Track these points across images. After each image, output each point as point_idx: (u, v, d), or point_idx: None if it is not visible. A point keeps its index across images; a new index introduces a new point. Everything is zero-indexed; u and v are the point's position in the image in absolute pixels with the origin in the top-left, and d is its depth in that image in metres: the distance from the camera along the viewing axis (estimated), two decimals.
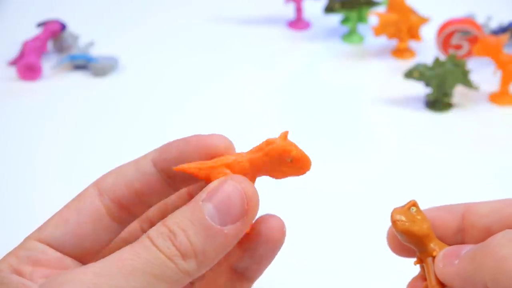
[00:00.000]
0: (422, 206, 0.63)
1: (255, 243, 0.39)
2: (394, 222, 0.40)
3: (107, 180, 0.39)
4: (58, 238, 0.37)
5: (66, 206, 0.38)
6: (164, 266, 0.34)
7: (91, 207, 0.38)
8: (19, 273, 0.36)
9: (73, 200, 0.39)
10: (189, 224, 0.35)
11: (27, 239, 0.37)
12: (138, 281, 0.33)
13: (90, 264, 0.34)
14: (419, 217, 0.41)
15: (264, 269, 0.40)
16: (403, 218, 0.40)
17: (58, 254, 0.37)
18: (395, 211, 0.41)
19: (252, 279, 0.40)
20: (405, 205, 0.41)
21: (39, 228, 0.38)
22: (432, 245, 0.40)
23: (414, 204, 0.42)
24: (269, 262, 0.40)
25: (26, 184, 0.65)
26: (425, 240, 0.40)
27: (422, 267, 0.40)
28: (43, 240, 0.37)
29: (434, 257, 0.39)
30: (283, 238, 0.39)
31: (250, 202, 0.36)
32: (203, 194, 0.35)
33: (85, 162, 0.67)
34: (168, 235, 0.35)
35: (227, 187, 0.36)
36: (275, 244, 0.39)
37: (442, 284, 0.38)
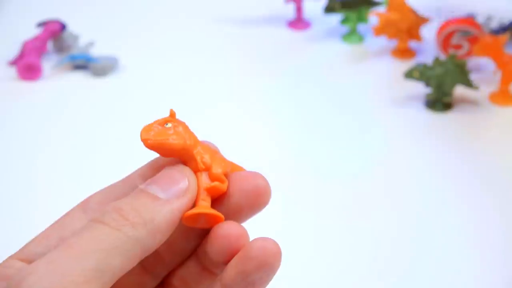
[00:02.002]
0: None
1: (248, 266, 0.39)
2: (143, 140, 0.36)
3: (93, 199, 0.39)
4: (39, 255, 0.37)
5: (50, 226, 0.38)
6: (111, 237, 0.34)
7: (74, 225, 0.38)
8: None
9: (58, 219, 0.39)
10: (134, 200, 0.36)
11: (9, 258, 0.37)
12: (89, 259, 0.33)
13: (42, 257, 0.34)
14: (178, 130, 0.37)
15: None
16: (153, 135, 0.37)
17: (25, 265, 0.37)
18: (143, 129, 0.37)
19: None
20: (157, 120, 0.38)
21: (22, 247, 0.38)
22: (198, 159, 0.38)
23: (170, 119, 0.38)
24: (264, 287, 0.40)
25: (25, 184, 0.65)
26: (186, 151, 0.37)
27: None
28: (24, 259, 0.37)
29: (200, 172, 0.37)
30: (278, 264, 0.38)
31: (189, 177, 0.37)
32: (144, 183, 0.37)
33: (85, 161, 0.67)
34: (114, 210, 0.35)
35: (171, 171, 0.37)
36: (269, 270, 0.39)
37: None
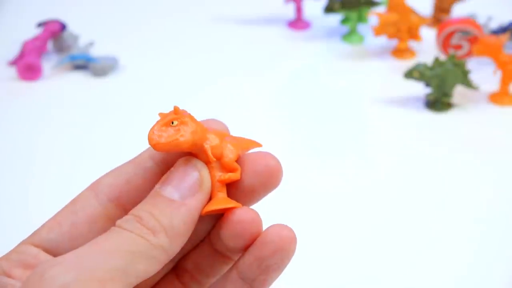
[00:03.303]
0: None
1: (264, 251, 0.39)
2: (152, 146, 0.36)
3: (104, 181, 0.39)
4: (52, 241, 0.38)
5: (61, 210, 0.38)
6: (136, 243, 0.35)
7: (86, 209, 0.38)
8: (9, 275, 0.36)
9: (68, 203, 0.39)
10: (152, 206, 0.36)
11: (21, 243, 0.38)
12: (116, 258, 0.34)
13: (69, 252, 0.34)
14: (185, 123, 0.37)
15: (272, 281, 0.40)
16: (160, 137, 0.36)
17: (50, 257, 0.37)
18: (150, 133, 0.36)
19: None
20: (162, 118, 0.37)
21: (34, 233, 0.38)
22: (209, 153, 0.37)
23: (175, 117, 0.37)
24: (278, 274, 0.39)
25: (25, 184, 0.65)
26: (196, 148, 0.37)
27: None
28: (36, 244, 0.38)
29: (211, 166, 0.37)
30: (294, 249, 0.38)
31: (203, 173, 0.37)
32: (159, 183, 0.37)
33: (85, 161, 0.67)
34: (135, 219, 0.35)
35: (184, 167, 0.37)
36: (285, 254, 0.39)
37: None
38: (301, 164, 0.67)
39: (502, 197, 0.63)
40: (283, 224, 0.39)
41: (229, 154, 0.38)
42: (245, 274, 0.39)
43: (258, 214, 0.38)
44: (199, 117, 0.41)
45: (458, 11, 0.92)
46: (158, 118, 0.36)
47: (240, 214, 0.38)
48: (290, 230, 0.39)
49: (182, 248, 0.41)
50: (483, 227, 0.60)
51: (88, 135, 0.72)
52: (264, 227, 0.38)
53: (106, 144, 0.70)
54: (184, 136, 0.36)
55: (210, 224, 0.40)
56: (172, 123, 0.36)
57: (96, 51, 0.85)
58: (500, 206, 0.62)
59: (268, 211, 0.41)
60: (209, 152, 0.37)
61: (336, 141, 0.71)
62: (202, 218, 0.39)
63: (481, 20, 0.88)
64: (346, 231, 0.59)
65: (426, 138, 0.72)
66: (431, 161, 0.68)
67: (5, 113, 0.76)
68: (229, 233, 0.38)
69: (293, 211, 0.60)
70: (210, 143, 0.37)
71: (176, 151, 0.37)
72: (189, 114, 0.37)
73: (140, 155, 0.39)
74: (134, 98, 0.79)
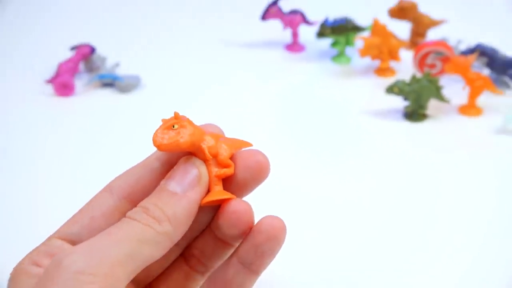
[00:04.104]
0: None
1: (259, 239, 0.39)
2: (156, 146, 0.36)
3: (117, 181, 0.39)
4: (74, 234, 0.38)
5: (82, 208, 0.39)
6: (143, 231, 0.35)
7: (103, 205, 0.39)
8: (38, 264, 0.36)
9: (87, 202, 0.39)
10: (157, 199, 0.36)
11: (49, 237, 0.38)
12: (126, 246, 0.34)
13: (84, 242, 0.35)
14: (184, 127, 0.37)
15: (268, 264, 0.40)
16: (165, 138, 0.36)
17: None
18: (154, 136, 0.36)
19: (257, 272, 0.40)
20: (164, 123, 0.37)
21: (59, 228, 0.38)
22: (206, 152, 0.37)
23: (175, 121, 0.37)
24: (272, 258, 0.40)
25: (58, 187, 0.65)
26: (195, 146, 0.37)
27: None
28: (61, 237, 0.38)
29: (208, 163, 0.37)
30: (284, 237, 0.39)
31: (200, 169, 0.37)
32: (164, 179, 0.37)
33: (110, 165, 0.67)
34: (142, 210, 0.36)
35: (185, 165, 0.37)
36: (276, 241, 0.39)
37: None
38: (294, 164, 0.68)
39: (473, 195, 0.64)
40: (275, 216, 0.39)
41: (224, 152, 0.38)
42: (244, 259, 0.40)
43: (250, 205, 0.39)
44: (208, 123, 0.42)
45: (432, 35, 0.93)
46: (161, 123, 0.37)
47: (234, 205, 0.39)
48: (281, 220, 0.39)
49: (188, 236, 0.42)
50: (460, 225, 0.59)
51: (115, 144, 0.72)
52: (260, 218, 0.39)
53: (128, 151, 0.70)
54: (184, 138, 0.36)
55: (211, 215, 0.40)
56: (173, 127, 0.37)
57: (121, 71, 0.86)
58: (474, 204, 0.62)
59: (262, 204, 0.42)
60: (206, 151, 0.37)
61: (325, 146, 0.72)
62: (203, 209, 0.40)
63: (452, 42, 0.88)
64: (331, 222, 0.59)
65: (404, 144, 0.72)
66: (409, 164, 0.68)
67: (43, 125, 0.76)
68: (226, 222, 0.39)
69: (285, 205, 0.60)
70: (207, 143, 0.38)
71: (177, 151, 0.37)
72: (188, 118, 0.38)
73: (147, 158, 0.40)
74: (154, 111, 0.79)
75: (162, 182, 0.38)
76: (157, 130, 0.37)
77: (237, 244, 0.41)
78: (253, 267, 0.40)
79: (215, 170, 0.38)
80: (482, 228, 0.59)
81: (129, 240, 0.35)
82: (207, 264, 0.42)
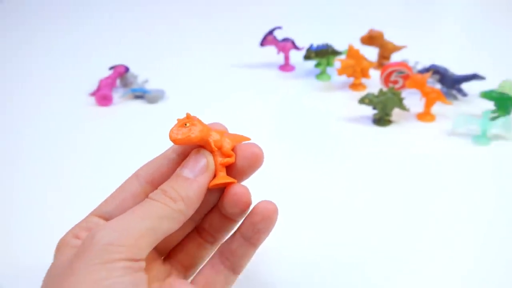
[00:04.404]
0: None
1: (255, 218, 0.39)
2: (172, 140, 0.36)
3: (142, 169, 0.40)
4: (108, 212, 0.38)
5: (114, 190, 0.39)
6: (162, 209, 0.35)
7: (131, 188, 0.39)
8: (78, 237, 0.36)
9: (119, 186, 0.40)
10: (174, 183, 0.36)
11: (88, 215, 0.38)
12: (148, 221, 0.34)
13: (114, 218, 0.34)
14: (195, 124, 0.36)
15: (264, 239, 0.40)
16: (179, 134, 0.36)
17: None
18: (170, 132, 0.36)
19: (255, 245, 0.40)
20: (178, 122, 0.37)
21: (97, 207, 0.39)
22: (212, 145, 0.37)
23: (187, 120, 0.37)
24: (267, 234, 0.40)
25: (101, 176, 0.65)
26: (204, 140, 0.36)
27: None
28: (98, 215, 0.38)
29: (214, 154, 0.37)
30: (276, 217, 0.39)
31: (208, 158, 0.37)
32: (180, 167, 0.38)
33: (140, 160, 0.67)
34: (162, 192, 0.36)
35: (196, 156, 0.38)
36: (270, 221, 0.39)
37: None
38: (286, 158, 0.67)
39: (425, 183, 0.63)
40: (269, 200, 0.39)
41: (226, 145, 0.39)
42: (245, 234, 0.40)
43: (248, 189, 0.39)
44: (215, 122, 0.42)
45: (395, 57, 0.92)
46: (176, 122, 0.37)
47: (236, 188, 0.39)
48: (274, 204, 0.39)
49: (200, 213, 0.42)
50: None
51: (142, 144, 0.71)
52: (257, 202, 0.39)
53: (154, 149, 0.69)
54: (194, 133, 0.36)
55: (218, 196, 0.40)
56: (186, 125, 0.37)
57: (149, 86, 0.86)
58: (423, 189, 0.62)
59: (259, 191, 0.41)
60: (212, 144, 0.38)
61: (310, 144, 0.71)
62: (212, 192, 0.40)
63: (411, 63, 0.88)
64: (314, 206, 0.59)
65: (373, 144, 0.72)
66: (377, 160, 0.68)
67: (87, 129, 0.76)
68: (229, 202, 0.39)
69: (277, 192, 0.60)
70: (213, 138, 0.38)
71: (189, 144, 0.37)
72: (198, 118, 0.38)
73: (166, 150, 0.40)
74: (175, 118, 0.79)
75: (177, 170, 0.38)
76: (173, 128, 0.37)
77: (239, 220, 0.41)
78: (252, 240, 0.39)
79: (220, 159, 0.38)
80: (439, 213, 0.58)
81: (150, 216, 0.35)
82: (216, 236, 0.42)
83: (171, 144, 0.40)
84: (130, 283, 0.31)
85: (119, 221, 0.34)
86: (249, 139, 0.40)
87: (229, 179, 0.38)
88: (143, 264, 0.33)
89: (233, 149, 0.39)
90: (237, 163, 0.39)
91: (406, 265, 0.50)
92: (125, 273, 0.31)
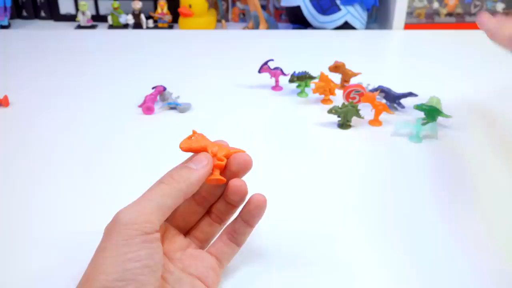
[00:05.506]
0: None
1: (250, 207, 0.39)
2: (180, 148, 0.37)
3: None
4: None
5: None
6: (165, 189, 0.34)
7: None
8: None
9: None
10: (180, 170, 0.36)
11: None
12: (154, 201, 0.33)
13: (131, 202, 0.34)
14: (199, 139, 0.38)
15: (258, 221, 0.39)
16: (185, 143, 0.37)
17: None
18: (180, 143, 0.38)
19: (252, 225, 0.40)
20: (188, 136, 0.38)
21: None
22: (209, 151, 0.37)
23: (193, 135, 0.38)
24: (259, 218, 0.39)
25: (145, 175, 0.63)
26: (203, 149, 0.37)
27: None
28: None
29: (215, 155, 0.37)
30: (265, 206, 0.39)
31: (208, 159, 0.37)
32: (185, 161, 0.37)
33: (174, 160, 0.66)
34: (169, 176, 0.35)
35: (200, 156, 0.37)
36: (261, 208, 0.39)
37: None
38: (273, 156, 0.66)
39: (373, 173, 0.62)
40: (260, 193, 0.38)
41: (219, 154, 0.39)
42: (243, 217, 0.39)
43: (245, 182, 0.38)
44: (229, 139, 0.41)
45: (353, 81, 0.91)
46: (191, 132, 0.38)
47: (236, 181, 0.38)
48: (264, 196, 0.38)
49: (210, 202, 0.41)
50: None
51: (175, 145, 0.70)
52: (251, 194, 0.38)
53: (183, 155, 0.69)
54: (196, 144, 0.37)
55: (223, 189, 0.40)
56: (191, 138, 0.38)
57: (180, 100, 0.84)
58: (370, 178, 0.61)
59: (253, 186, 0.40)
60: (210, 152, 0.37)
61: (292, 145, 0.70)
62: (218, 185, 0.39)
63: (364, 85, 0.87)
64: (296, 196, 0.58)
65: (338, 143, 0.71)
66: (340, 155, 0.67)
67: (135, 134, 0.74)
68: (231, 191, 0.38)
69: (267, 187, 0.59)
70: (212, 148, 0.38)
71: (191, 151, 0.37)
72: (202, 134, 0.38)
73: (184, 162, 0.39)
74: (200, 126, 0.78)
75: (185, 163, 0.37)
76: (182, 140, 0.38)
77: (239, 206, 0.40)
78: (249, 222, 0.39)
79: (215, 162, 0.38)
80: (385, 194, 0.57)
81: (157, 196, 0.34)
82: (222, 218, 0.41)
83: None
84: (146, 255, 0.31)
85: (133, 203, 0.33)
86: (243, 151, 0.40)
87: (220, 177, 0.38)
88: (157, 235, 0.32)
89: (228, 158, 0.39)
90: (232, 167, 0.39)
91: (364, 233, 0.49)
92: (142, 247, 0.31)
